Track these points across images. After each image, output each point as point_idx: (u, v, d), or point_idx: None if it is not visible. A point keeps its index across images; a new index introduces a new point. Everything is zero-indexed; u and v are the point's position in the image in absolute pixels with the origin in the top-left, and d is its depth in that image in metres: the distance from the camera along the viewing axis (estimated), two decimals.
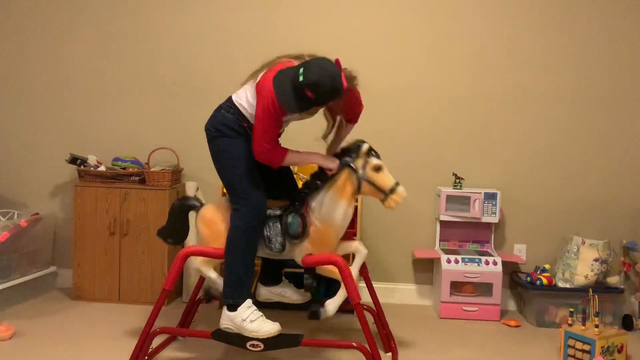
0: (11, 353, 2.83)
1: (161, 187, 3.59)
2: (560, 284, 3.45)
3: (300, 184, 2.83)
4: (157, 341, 2.80)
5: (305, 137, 2.76)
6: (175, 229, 2.89)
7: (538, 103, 3.71)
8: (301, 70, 2.33)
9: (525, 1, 3.67)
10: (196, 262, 2.76)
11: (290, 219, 2.62)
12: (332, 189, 2.63)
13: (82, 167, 3.67)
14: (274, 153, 2.54)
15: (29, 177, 3.96)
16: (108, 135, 3.90)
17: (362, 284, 3.12)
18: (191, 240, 3.23)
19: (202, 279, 2.97)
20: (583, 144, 3.71)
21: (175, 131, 3.83)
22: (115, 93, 3.90)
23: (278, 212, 2.66)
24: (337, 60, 2.40)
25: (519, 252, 3.74)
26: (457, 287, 3.51)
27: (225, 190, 2.80)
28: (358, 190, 2.64)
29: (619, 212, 3.69)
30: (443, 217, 3.62)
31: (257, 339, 2.51)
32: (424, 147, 3.77)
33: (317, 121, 2.74)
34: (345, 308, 2.80)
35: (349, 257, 2.79)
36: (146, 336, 2.64)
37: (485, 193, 3.57)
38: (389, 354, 2.90)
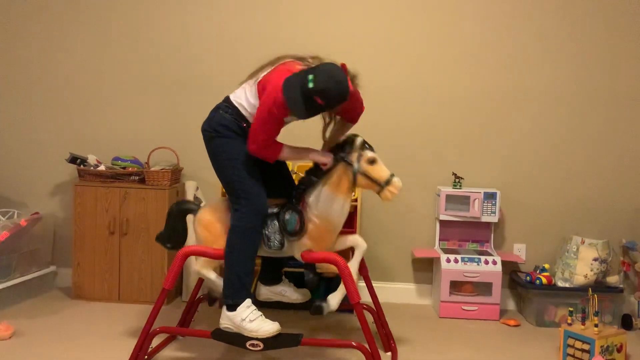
0: (11, 352, 2.83)
1: (161, 186, 3.59)
2: (560, 284, 3.45)
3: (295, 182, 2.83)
4: (156, 341, 2.81)
5: (300, 133, 2.76)
6: (173, 233, 2.89)
7: (538, 103, 3.71)
8: (310, 77, 2.33)
9: (525, 1, 3.67)
10: (196, 265, 2.77)
11: (287, 216, 2.62)
12: (327, 184, 2.63)
13: (81, 166, 3.67)
14: (271, 148, 2.54)
15: (28, 177, 3.96)
16: (108, 135, 3.90)
17: (362, 283, 3.12)
18: (191, 242, 3.23)
19: (202, 278, 2.97)
20: (583, 144, 3.71)
21: (175, 131, 3.83)
22: (115, 93, 3.90)
23: (275, 210, 2.66)
24: (343, 65, 2.42)
25: (519, 251, 3.74)
26: (456, 286, 3.51)
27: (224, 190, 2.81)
28: (354, 183, 2.64)
29: (619, 212, 3.69)
30: (443, 217, 3.62)
31: (257, 339, 2.51)
32: (424, 147, 3.77)
33: (315, 120, 2.73)
34: (345, 307, 2.80)
35: (348, 252, 2.79)
36: (146, 335, 2.64)
37: (484, 193, 3.58)
38: (389, 353, 2.90)
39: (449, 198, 3.60)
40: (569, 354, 2.83)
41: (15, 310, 3.43)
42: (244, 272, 2.59)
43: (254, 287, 2.91)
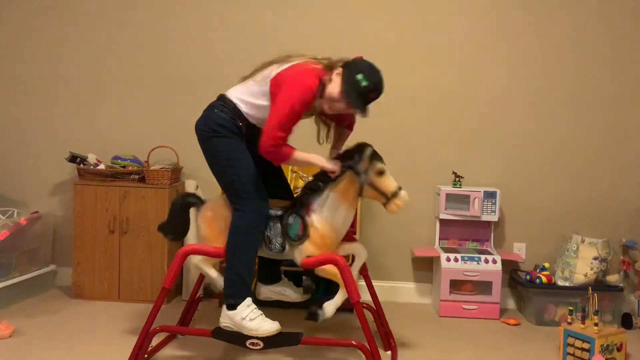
0: (11, 351, 2.83)
1: (161, 185, 3.59)
2: (560, 283, 3.45)
3: (300, 183, 2.83)
4: (156, 340, 2.81)
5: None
6: (176, 225, 2.88)
7: (538, 102, 3.71)
8: (359, 77, 2.43)
9: (526, 0, 3.67)
10: (196, 258, 2.76)
11: (290, 220, 2.62)
12: (334, 191, 2.62)
13: (81, 165, 3.66)
14: (284, 149, 2.49)
15: (28, 176, 3.96)
16: (107, 134, 3.90)
17: (362, 283, 3.12)
18: (191, 237, 3.23)
19: (201, 277, 2.97)
20: (583, 143, 3.71)
21: (175, 129, 3.82)
22: (114, 92, 3.90)
23: (279, 213, 2.65)
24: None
25: (519, 250, 3.74)
26: (456, 285, 3.51)
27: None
28: (360, 194, 2.63)
29: (619, 211, 3.69)
30: (443, 216, 3.62)
31: (257, 338, 2.52)
32: (424, 146, 3.77)
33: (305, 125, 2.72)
34: (345, 307, 2.80)
35: (349, 258, 2.79)
36: (146, 334, 2.64)
37: (484, 191, 3.58)
38: (389, 352, 2.90)
39: (449, 197, 3.60)
40: (569, 353, 2.83)
41: (15, 309, 3.43)
42: (246, 272, 2.59)
43: (254, 287, 2.91)
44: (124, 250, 3.60)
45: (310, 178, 2.79)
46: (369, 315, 2.89)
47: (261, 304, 2.73)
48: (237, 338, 2.56)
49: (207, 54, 3.82)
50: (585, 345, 2.76)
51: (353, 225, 3.33)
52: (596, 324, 2.77)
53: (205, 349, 2.89)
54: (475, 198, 3.57)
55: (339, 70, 2.49)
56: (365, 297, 3.00)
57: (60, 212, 3.94)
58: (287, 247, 2.64)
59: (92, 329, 3.14)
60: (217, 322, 2.63)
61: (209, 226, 2.71)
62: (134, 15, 3.85)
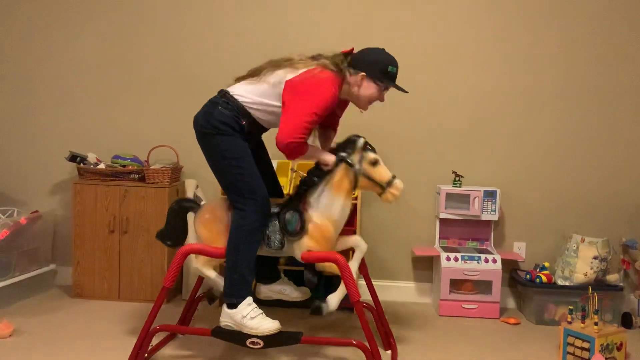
0: (11, 351, 2.83)
1: (161, 184, 3.59)
2: (560, 282, 3.45)
3: (295, 181, 2.83)
4: (156, 339, 2.80)
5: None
6: (174, 231, 2.89)
7: (537, 101, 3.71)
8: (391, 68, 2.72)
9: (524, 1, 3.69)
10: (196, 263, 2.76)
11: (288, 216, 2.62)
12: (329, 184, 2.64)
13: (81, 164, 3.66)
14: (302, 146, 2.53)
15: (28, 175, 3.95)
16: (108, 133, 3.90)
17: (362, 282, 3.12)
18: (191, 237, 3.22)
19: (201, 277, 2.97)
20: (582, 142, 3.71)
21: (175, 129, 3.82)
22: (114, 91, 3.90)
23: (276, 210, 2.66)
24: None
25: (519, 249, 3.74)
26: (456, 284, 3.51)
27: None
28: (355, 185, 2.64)
29: (619, 210, 3.69)
30: (443, 215, 3.62)
31: (257, 337, 2.52)
32: (424, 145, 3.77)
33: None
34: (345, 306, 2.81)
35: (348, 252, 2.79)
36: (146, 334, 2.64)
37: (484, 191, 3.58)
38: (389, 351, 2.90)
39: (449, 196, 3.60)
40: (569, 353, 2.83)
41: (15, 308, 3.42)
42: (247, 271, 2.59)
43: (253, 286, 2.91)
44: (124, 250, 3.60)
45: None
46: (368, 315, 2.89)
47: (261, 303, 2.73)
48: (237, 337, 2.56)
49: (207, 54, 3.82)
50: (585, 345, 2.76)
51: (353, 224, 3.35)
52: (596, 324, 2.77)
53: (205, 349, 2.89)
54: (475, 197, 3.57)
55: (362, 74, 2.64)
56: (365, 296, 3.00)
57: (60, 211, 3.94)
58: (286, 243, 2.64)
59: (92, 329, 3.14)
60: (217, 321, 2.63)
61: (207, 229, 2.70)
62: (134, 15, 3.85)
